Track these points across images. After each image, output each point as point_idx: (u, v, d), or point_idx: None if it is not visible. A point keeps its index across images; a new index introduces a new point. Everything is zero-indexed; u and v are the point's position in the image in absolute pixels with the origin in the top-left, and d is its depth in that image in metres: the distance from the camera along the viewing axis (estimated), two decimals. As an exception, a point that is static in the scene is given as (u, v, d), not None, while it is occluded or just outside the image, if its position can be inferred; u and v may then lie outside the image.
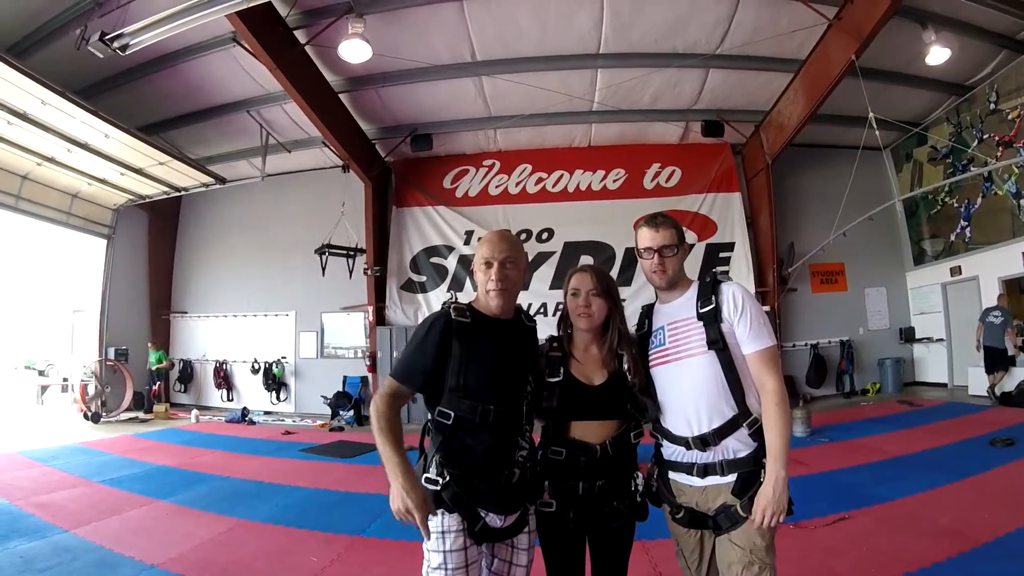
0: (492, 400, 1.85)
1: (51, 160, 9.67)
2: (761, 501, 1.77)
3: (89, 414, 10.68)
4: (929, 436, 6.98)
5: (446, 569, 1.78)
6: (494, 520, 1.86)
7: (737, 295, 1.94)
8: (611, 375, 2.02)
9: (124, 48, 6.41)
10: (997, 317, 9.09)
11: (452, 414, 1.85)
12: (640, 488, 2.05)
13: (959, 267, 10.76)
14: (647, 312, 2.19)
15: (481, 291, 1.99)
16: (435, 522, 1.81)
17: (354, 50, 7.79)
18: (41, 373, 14.33)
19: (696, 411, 1.90)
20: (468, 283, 11.02)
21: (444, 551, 1.79)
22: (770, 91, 9.89)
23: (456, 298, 1.99)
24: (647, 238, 2.05)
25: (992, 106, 9.73)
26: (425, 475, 1.84)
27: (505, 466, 1.87)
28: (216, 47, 8.48)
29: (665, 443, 2.02)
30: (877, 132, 8.14)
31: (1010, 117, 9.38)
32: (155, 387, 12.01)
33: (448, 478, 1.82)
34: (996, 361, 9.06)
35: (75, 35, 7.07)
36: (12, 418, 10.96)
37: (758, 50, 8.68)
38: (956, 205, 10.80)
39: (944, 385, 11.05)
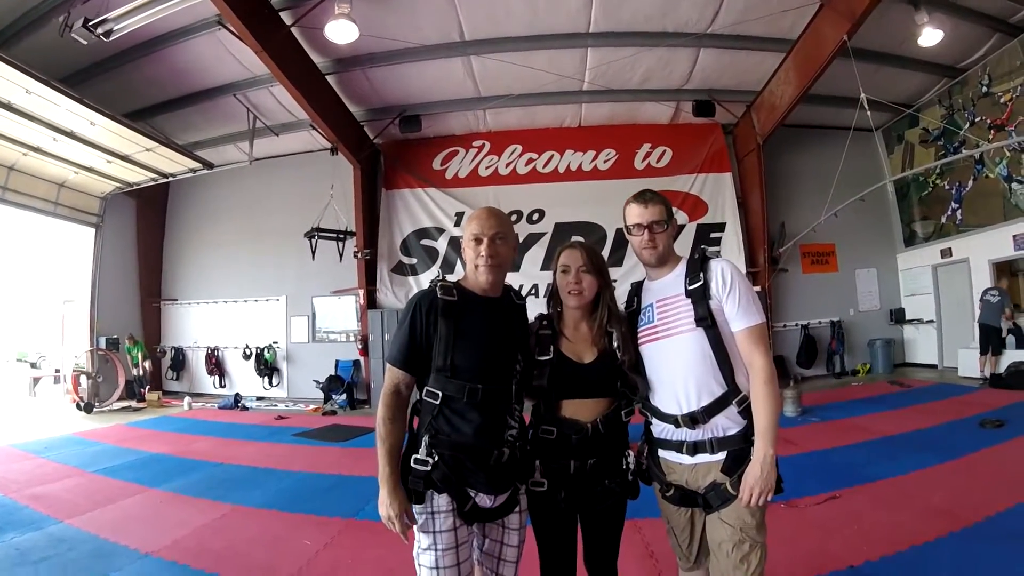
0: (480, 379, 1.83)
1: (37, 150, 9.57)
2: (748, 479, 1.77)
3: (82, 404, 10.63)
4: (919, 416, 7.02)
5: (436, 549, 1.78)
6: (484, 500, 1.85)
7: (726, 271, 1.91)
8: (601, 353, 2.00)
9: (108, 34, 6.35)
10: (994, 296, 9.15)
11: (440, 394, 1.83)
12: (631, 466, 2.04)
13: (950, 249, 10.80)
14: (636, 289, 2.17)
15: (470, 267, 1.96)
16: (425, 503, 1.81)
17: (341, 31, 7.65)
18: (33, 365, 14.31)
19: (685, 389, 1.89)
20: (459, 264, 10.92)
21: (434, 531, 1.79)
22: (761, 71, 9.81)
23: (444, 277, 1.96)
24: (636, 214, 2.03)
25: (984, 89, 9.71)
26: (414, 456, 1.83)
27: (494, 445, 1.85)
28: (201, 30, 8.32)
29: (655, 421, 2.01)
30: (869, 113, 8.09)
31: (1002, 100, 9.37)
32: (143, 389, 11.89)
33: (437, 458, 1.81)
34: (990, 340, 9.12)
35: (58, 22, 6.95)
36: (5, 411, 10.90)
37: (749, 30, 8.60)
38: (947, 187, 10.81)
39: (934, 366, 11.12)
